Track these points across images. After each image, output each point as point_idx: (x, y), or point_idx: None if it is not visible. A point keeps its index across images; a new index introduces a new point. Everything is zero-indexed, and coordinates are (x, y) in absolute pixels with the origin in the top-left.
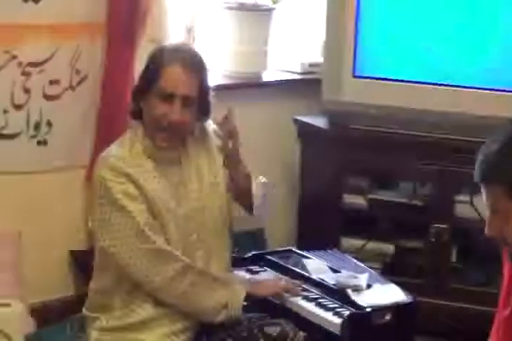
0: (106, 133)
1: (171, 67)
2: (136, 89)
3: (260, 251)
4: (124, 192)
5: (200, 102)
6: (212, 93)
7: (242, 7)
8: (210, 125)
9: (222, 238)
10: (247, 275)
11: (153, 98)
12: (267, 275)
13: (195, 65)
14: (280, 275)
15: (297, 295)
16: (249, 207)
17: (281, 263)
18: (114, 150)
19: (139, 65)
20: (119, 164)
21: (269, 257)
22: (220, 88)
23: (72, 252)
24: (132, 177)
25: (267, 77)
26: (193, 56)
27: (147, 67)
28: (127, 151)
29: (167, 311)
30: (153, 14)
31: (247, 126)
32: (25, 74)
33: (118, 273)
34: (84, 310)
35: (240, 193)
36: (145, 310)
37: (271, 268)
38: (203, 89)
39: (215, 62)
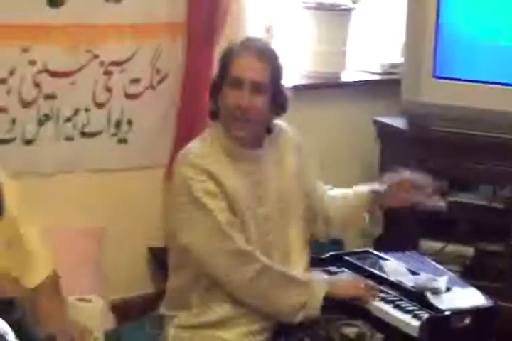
0: (185, 132)
1: (241, 56)
2: (212, 85)
3: (338, 252)
4: (205, 190)
5: (273, 92)
6: (287, 86)
7: (321, 7)
8: (288, 126)
9: (300, 239)
10: (325, 276)
11: (225, 88)
12: (346, 276)
13: (265, 53)
14: (358, 277)
15: (375, 297)
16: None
17: (359, 264)
18: (193, 147)
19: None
20: (200, 161)
21: (346, 258)
22: (299, 88)
23: (150, 249)
24: (213, 175)
25: (346, 77)
26: (264, 45)
27: (220, 62)
28: (207, 148)
29: (245, 310)
30: (232, 13)
31: (326, 127)
32: (107, 73)
33: (196, 270)
34: (161, 308)
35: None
36: (223, 309)
37: (348, 269)
38: (275, 76)
39: (294, 62)
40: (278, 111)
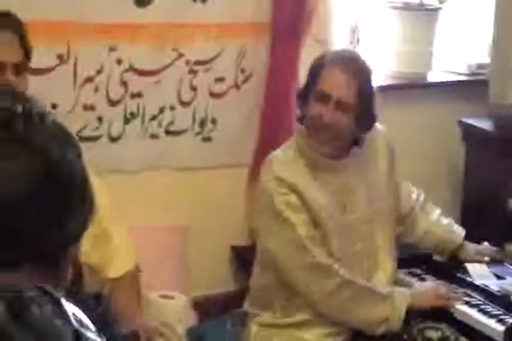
0: (269, 133)
1: (331, 69)
2: (299, 94)
3: (421, 253)
4: (287, 203)
5: (359, 112)
6: (376, 103)
7: (407, 7)
8: (380, 133)
9: (388, 248)
10: (407, 278)
11: (312, 99)
12: (429, 280)
13: (356, 70)
14: (439, 282)
15: (459, 300)
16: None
17: (443, 266)
18: (280, 155)
19: (302, 66)
20: (283, 173)
21: (430, 260)
22: (384, 88)
23: (233, 248)
24: (295, 187)
25: (432, 77)
26: (356, 60)
27: (309, 72)
28: (291, 157)
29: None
30: (318, 14)
31: (411, 127)
32: (192, 72)
33: (279, 276)
34: (245, 305)
35: None
36: (305, 312)
37: (432, 271)
38: (363, 96)
39: (379, 63)
40: (364, 129)
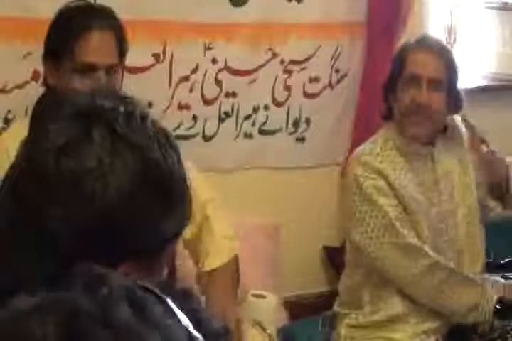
0: (362, 132)
1: (416, 51)
2: (386, 84)
3: None
4: (375, 187)
5: (449, 89)
6: (462, 86)
7: (505, 7)
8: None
9: (475, 241)
10: (501, 280)
11: (401, 86)
12: None
13: (440, 49)
14: None
15: None
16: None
17: None
18: (364, 148)
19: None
20: (370, 160)
21: None
22: (482, 90)
23: (325, 248)
24: (384, 173)
25: None
26: (438, 42)
27: (394, 60)
28: (379, 148)
29: (416, 307)
30: (414, 13)
31: (509, 129)
32: (287, 71)
33: (368, 267)
34: (335, 307)
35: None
36: (393, 306)
37: None
38: (451, 73)
39: (477, 64)
40: (454, 109)
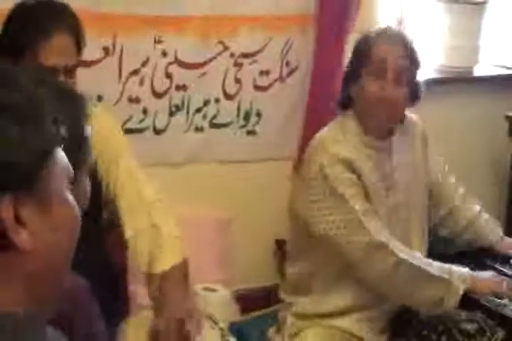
0: (314, 126)
1: (380, 45)
2: (346, 76)
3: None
4: (342, 179)
5: (411, 79)
6: (420, 75)
7: (454, 0)
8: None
9: (420, 231)
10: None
11: (365, 79)
12: (487, 274)
13: (403, 41)
14: (499, 276)
15: None
16: None
17: (488, 262)
18: (327, 136)
19: (347, 59)
20: (336, 149)
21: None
22: (431, 82)
23: (277, 241)
24: (349, 163)
25: (479, 71)
26: (399, 33)
27: (356, 51)
28: (340, 136)
29: (363, 301)
30: (364, 5)
31: (457, 122)
32: (237, 64)
33: (327, 256)
34: (281, 293)
35: None
36: (344, 300)
37: (478, 267)
38: (413, 63)
39: (426, 56)
40: (413, 100)
